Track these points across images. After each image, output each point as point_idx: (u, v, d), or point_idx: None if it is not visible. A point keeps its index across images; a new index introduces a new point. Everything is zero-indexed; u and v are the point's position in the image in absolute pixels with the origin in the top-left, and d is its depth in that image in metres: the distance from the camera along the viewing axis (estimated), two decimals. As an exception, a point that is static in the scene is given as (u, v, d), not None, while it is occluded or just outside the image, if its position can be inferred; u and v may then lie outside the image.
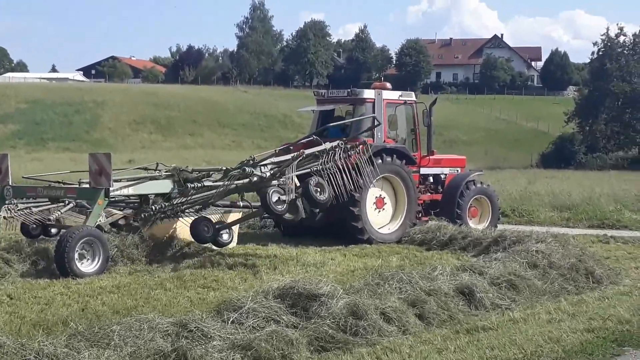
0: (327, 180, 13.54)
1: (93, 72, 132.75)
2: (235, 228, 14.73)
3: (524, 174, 44.63)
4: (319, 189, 13.19)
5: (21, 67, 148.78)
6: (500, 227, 17.79)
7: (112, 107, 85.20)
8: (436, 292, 9.45)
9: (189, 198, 13.49)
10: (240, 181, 13.48)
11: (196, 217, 13.60)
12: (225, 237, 14.17)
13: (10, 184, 13.21)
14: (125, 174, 15.57)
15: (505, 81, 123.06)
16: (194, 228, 13.17)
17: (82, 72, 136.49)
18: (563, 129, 75.28)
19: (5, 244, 13.24)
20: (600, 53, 77.47)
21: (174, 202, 13.49)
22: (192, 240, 14.01)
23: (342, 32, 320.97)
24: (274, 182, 13.23)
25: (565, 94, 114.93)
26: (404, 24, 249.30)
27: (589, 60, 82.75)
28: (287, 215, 13.54)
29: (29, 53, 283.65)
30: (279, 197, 12.86)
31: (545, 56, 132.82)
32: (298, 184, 13.56)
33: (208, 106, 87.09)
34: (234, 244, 14.88)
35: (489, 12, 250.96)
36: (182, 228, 14.15)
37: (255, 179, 13.39)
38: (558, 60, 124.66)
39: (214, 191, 13.54)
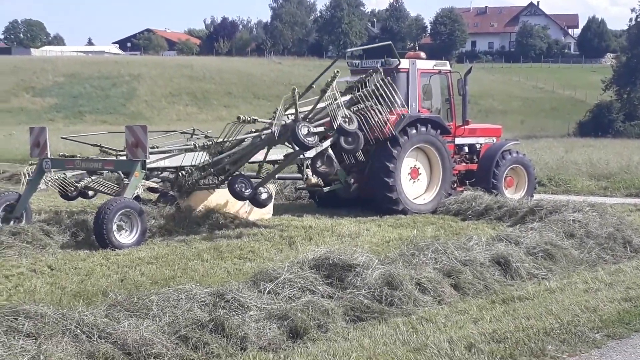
0: (356, 117, 13.83)
1: (129, 45, 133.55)
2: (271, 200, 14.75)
3: (561, 142, 44.13)
4: (346, 120, 13.22)
5: (58, 40, 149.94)
6: (536, 196, 17.63)
7: (148, 79, 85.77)
8: (472, 262, 9.44)
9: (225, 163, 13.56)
10: (268, 131, 13.51)
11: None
12: (264, 196, 14.02)
13: (49, 156, 13.37)
14: (163, 139, 15.78)
15: (542, 49, 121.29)
16: (231, 186, 13.20)
17: (118, 45, 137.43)
18: (601, 97, 74.04)
19: (45, 215, 13.48)
20: (639, 20, 75.93)
21: (209, 172, 13.60)
22: (228, 211, 14.15)
23: (375, 1, 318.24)
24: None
25: (602, 61, 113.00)
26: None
27: (627, 27, 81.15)
28: (322, 168, 13.65)
29: (66, 26, 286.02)
30: (308, 130, 12.89)
31: (582, 23, 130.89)
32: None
33: (243, 78, 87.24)
34: (269, 215, 14.96)
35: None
36: (219, 199, 14.28)
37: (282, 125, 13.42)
38: (595, 27, 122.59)
39: (245, 147, 13.62)
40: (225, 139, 13.52)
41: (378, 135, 15.02)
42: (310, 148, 13.23)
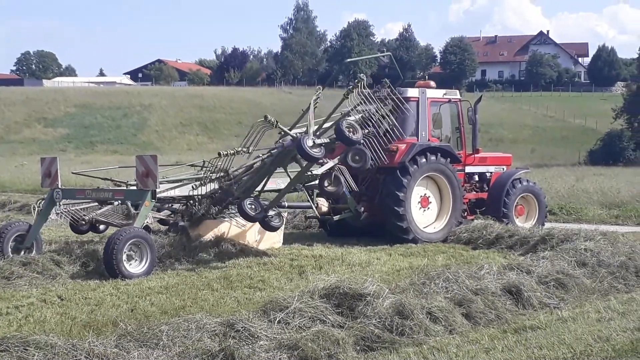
0: (361, 126, 13.73)
1: (140, 75, 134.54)
2: (281, 229, 14.72)
3: (572, 171, 44.04)
4: (350, 129, 13.19)
5: (70, 71, 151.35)
6: (547, 225, 17.59)
7: (159, 110, 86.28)
8: (483, 292, 9.38)
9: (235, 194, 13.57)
10: (274, 152, 13.56)
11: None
12: (276, 220, 13.87)
13: (60, 186, 13.41)
14: (174, 172, 15.82)
15: (552, 78, 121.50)
16: (240, 208, 13.17)
17: (129, 76, 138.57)
18: (611, 126, 73.88)
19: (55, 245, 13.50)
20: (649, 48, 75.94)
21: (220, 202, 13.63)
22: (239, 240, 14.15)
23: (384, 31, 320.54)
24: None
25: (613, 89, 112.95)
26: (445, 23, 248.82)
27: (637, 55, 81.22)
28: (330, 188, 13.61)
29: (78, 57, 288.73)
30: (313, 142, 12.84)
31: (592, 52, 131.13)
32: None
33: (253, 107, 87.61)
34: (279, 244, 14.96)
35: (532, 9, 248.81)
36: (228, 228, 14.28)
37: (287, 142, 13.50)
38: (605, 56, 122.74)
39: (252, 175, 13.64)
40: (209, 174, 13.61)
41: (387, 162, 15.03)
42: (317, 159, 13.15)
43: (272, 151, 13.70)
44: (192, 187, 13.66)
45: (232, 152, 13.34)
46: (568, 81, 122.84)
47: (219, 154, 13.31)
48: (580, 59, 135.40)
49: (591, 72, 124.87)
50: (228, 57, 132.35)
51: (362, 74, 14.09)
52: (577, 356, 7.13)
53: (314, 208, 15.39)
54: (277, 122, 13.28)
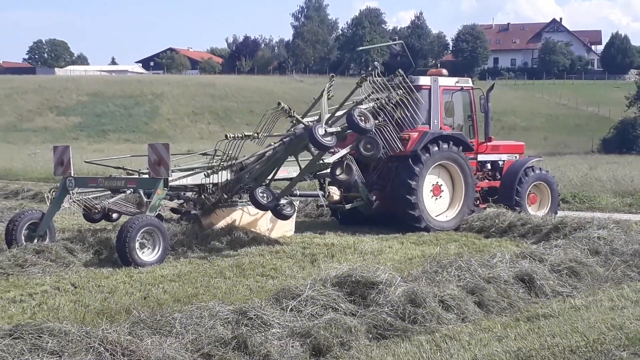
0: (373, 115, 13.60)
1: (152, 64, 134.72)
2: (293, 217, 14.72)
3: (585, 159, 43.87)
4: (362, 117, 13.15)
5: (82, 60, 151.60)
6: (560, 213, 17.52)
7: (171, 98, 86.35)
8: (495, 280, 9.37)
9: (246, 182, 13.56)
10: (286, 140, 13.54)
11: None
12: (288, 208, 13.88)
13: (72, 175, 13.44)
14: (186, 160, 15.82)
15: (565, 66, 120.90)
16: (252, 196, 13.18)
17: (141, 64, 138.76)
18: (625, 114, 73.53)
19: (69, 234, 13.54)
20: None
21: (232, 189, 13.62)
22: (251, 228, 14.17)
23: (396, 19, 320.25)
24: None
25: (626, 77, 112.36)
26: (457, 11, 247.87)
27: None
28: (342, 176, 13.60)
29: (89, 46, 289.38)
30: (325, 131, 12.81)
31: (605, 40, 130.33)
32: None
33: (265, 96, 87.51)
34: (291, 232, 14.97)
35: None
36: (240, 216, 14.29)
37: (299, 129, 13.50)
38: (618, 43, 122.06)
39: (263, 162, 13.64)
40: (221, 158, 13.53)
41: (399, 149, 15.02)
42: (328, 148, 13.15)
43: (285, 139, 13.67)
44: (205, 174, 13.65)
45: (240, 135, 13.26)
46: (581, 69, 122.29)
47: (226, 136, 13.21)
48: (593, 47, 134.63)
49: (604, 60, 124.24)
50: (239, 46, 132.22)
51: (375, 62, 14.02)
52: (590, 344, 7.10)
53: (322, 198, 15.35)
54: (290, 109, 13.25)
